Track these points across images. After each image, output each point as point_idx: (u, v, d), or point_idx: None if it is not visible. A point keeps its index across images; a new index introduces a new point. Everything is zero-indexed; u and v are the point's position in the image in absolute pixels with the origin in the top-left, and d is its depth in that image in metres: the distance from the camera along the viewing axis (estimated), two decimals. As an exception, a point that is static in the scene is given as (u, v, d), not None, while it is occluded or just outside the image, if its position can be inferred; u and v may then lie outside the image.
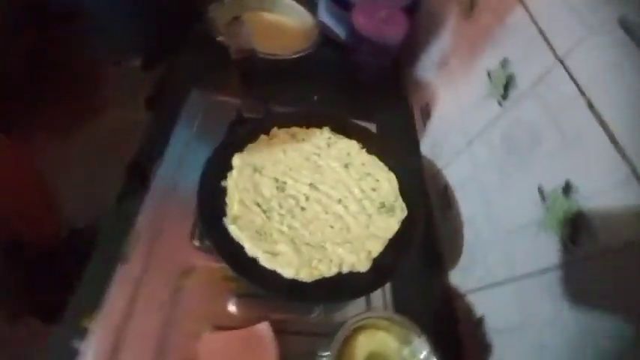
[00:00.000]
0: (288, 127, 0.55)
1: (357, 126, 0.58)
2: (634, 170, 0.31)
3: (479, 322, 0.48)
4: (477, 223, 0.52)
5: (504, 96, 0.51)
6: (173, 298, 0.43)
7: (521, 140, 0.46)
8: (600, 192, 0.34)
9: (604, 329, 0.32)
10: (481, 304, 0.49)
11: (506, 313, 0.44)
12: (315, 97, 0.78)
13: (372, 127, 0.66)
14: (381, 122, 0.70)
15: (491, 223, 0.49)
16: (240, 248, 0.42)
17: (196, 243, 0.47)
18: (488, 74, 0.54)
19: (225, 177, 0.47)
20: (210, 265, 0.46)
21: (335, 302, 0.41)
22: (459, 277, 0.54)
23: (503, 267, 0.45)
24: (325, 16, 0.86)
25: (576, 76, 0.38)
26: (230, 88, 0.62)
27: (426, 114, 0.75)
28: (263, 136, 0.53)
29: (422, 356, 0.39)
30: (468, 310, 0.50)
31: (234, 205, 0.44)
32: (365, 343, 0.41)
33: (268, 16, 0.85)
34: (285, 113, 0.56)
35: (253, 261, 0.41)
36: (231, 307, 0.44)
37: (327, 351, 0.37)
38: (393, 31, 0.73)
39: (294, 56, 0.70)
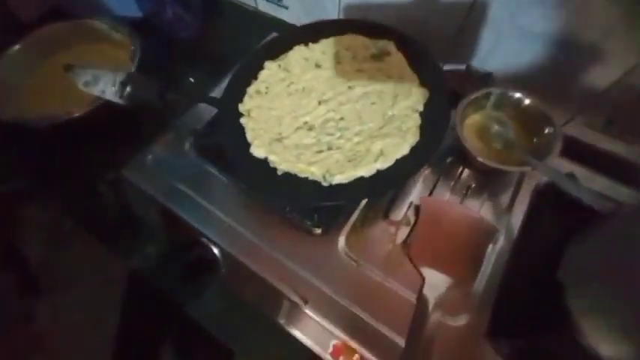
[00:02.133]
0: (246, 90, 0.48)
1: (274, 39, 0.54)
2: None
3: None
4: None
5: None
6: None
7: None
8: None
9: None
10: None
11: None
12: (191, 79, 0.70)
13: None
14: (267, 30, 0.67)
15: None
16: (360, 180, 0.40)
17: (317, 230, 0.44)
18: None
19: (275, 172, 0.42)
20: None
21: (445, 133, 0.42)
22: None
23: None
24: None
25: None
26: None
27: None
28: (243, 120, 0.46)
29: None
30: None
31: (312, 169, 0.41)
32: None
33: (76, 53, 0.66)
34: (230, 87, 0.48)
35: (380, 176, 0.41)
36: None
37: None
38: None
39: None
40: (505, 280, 0.41)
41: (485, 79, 0.59)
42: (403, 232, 0.44)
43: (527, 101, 0.47)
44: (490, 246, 0.43)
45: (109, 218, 0.56)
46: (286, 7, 0.75)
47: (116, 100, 0.43)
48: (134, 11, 0.73)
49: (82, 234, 0.52)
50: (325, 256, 0.43)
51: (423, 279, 0.40)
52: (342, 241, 0.43)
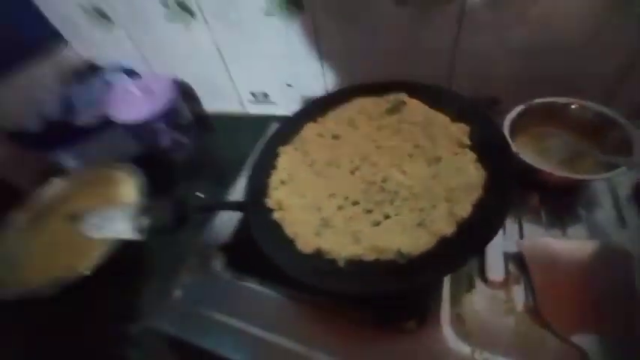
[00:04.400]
0: (268, 182, 0.43)
1: (280, 126, 0.52)
2: None
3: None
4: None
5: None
6: None
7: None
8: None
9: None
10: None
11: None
12: (198, 194, 0.66)
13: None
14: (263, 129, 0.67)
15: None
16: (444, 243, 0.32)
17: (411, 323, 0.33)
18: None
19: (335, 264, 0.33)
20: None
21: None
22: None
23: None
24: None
25: None
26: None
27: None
28: (277, 215, 0.40)
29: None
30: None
31: (381, 246, 0.33)
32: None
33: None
34: (251, 184, 0.43)
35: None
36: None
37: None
38: (160, 92, 0.66)
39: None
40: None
41: (494, 103, 0.57)
42: (518, 294, 0.34)
43: (576, 105, 0.43)
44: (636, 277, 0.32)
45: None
46: (275, 103, 0.77)
47: (134, 236, 0.36)
48: (131, 148, 0.73)
49: None
50: (436, 358, 0.31)
51: (583, 351, 0.28)
52: (447, 330, 0.32)
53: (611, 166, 0.36)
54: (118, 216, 0.38)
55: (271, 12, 0.58)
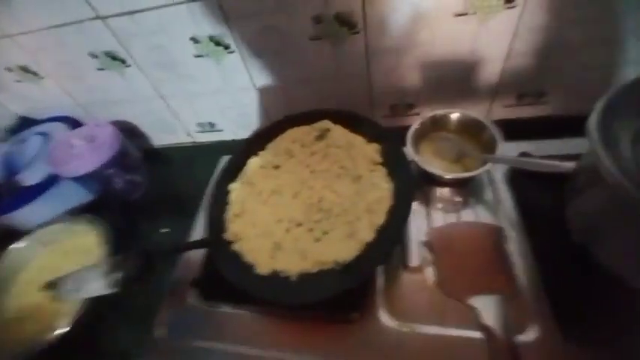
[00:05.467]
0: (224, 218, 0.50)
1: (227, 164, 0.58)
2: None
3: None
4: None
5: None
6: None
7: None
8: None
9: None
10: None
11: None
12: (162, 230, 0.70)
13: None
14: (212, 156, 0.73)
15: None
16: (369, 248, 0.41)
17: (355, 314, 0.42)
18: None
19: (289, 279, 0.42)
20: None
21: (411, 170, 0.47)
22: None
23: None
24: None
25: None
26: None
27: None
28: (236, 246, 0.46)
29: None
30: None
31: (322, 260, 0.41)
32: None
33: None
34: (209, 222, 0.49)
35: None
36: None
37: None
38: (105, 139, 0.68)
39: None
40: (543, 267, 0.42)
41: (410, 109, 0.68)
42: (430, 273, 0.44)
43: (456, 114, 0.54)
44: (509, 245, 0.44)
45: None
46: (221, 130, 0.82)
47: (108, 292, 0.41)
48: (84, 197, 0.74)
49: None
50: (376, 337, 0.41)
51: (475, 309, 0.39)
52: (383, 314, 0.42)
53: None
54: (90, 276, 0.42)
55: (201, 54, 0.63)
